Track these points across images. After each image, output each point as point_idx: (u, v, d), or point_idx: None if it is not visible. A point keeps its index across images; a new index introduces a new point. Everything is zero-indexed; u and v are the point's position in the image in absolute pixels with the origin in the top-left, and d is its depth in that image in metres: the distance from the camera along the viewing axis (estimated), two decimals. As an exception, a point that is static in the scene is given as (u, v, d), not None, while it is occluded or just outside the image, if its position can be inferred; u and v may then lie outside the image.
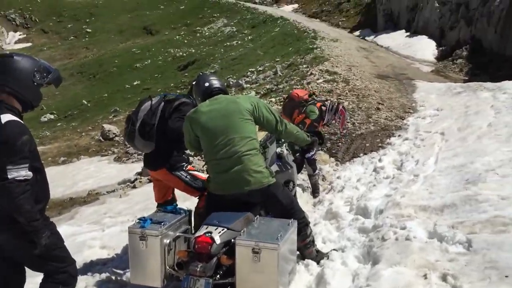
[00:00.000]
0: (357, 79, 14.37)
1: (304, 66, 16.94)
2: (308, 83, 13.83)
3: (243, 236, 3.09)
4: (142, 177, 10.22)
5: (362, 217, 4.85)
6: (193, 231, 3.65)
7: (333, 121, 6.66)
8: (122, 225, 6.13)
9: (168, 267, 3.34)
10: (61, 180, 11.31)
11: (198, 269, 3.00)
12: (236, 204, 3.48)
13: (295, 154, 4.98)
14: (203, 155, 3.62)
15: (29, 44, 47.64)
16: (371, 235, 4.16)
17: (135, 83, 31.10)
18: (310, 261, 3.80)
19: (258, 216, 3.47)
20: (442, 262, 3.28)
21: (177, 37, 39.68)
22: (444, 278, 3.06)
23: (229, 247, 3.13)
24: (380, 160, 7.28)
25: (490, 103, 9.49)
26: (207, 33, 38.67)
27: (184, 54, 34.45)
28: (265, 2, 47.11)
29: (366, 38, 27.72)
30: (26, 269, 3.20)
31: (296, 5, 43.82)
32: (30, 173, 2.78)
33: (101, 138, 16.23)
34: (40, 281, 3.03)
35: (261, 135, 4.07)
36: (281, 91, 14.50)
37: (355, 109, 11.10)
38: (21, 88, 2.87)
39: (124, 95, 28.28)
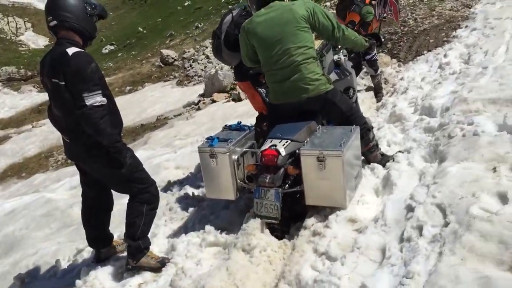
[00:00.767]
0: (416, -31, 13.26)
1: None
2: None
3: (307, 146, 3.18)
4: (205, 99, 10.48)
5: (427, 117, 4.74)
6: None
7: (385, 15, 6.24)
8: (192, 146, 6.44)
9: (239, 181, 3.55)
10: (130, 108, 11.87)
11: (267, 180, 3.16)
12: (297, 113, 3.53)
13: (351, 55, 4.81)
14: (261, 66, 3.63)
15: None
16: (437, 133, 4.09)
17: (186, 3, 30.71)
18: (376, 164, 3.85)
19: (320, 126, 3.52)
20: (513, 154, 3.20)
21: None
22: (514, 169, 3.01)
23: (295, 158, 3.25)
24: (445, 56, 6.92)
25: None
26: None
27: (232, -33, 33.16)
28: None
29: None
30: (113, 193, 3.54)
31: None
32: (104, 99, 2.95)
33: (161, 64, 16.58)
34: (127, 202, 3.32)
35: (317, 43, 3.99)
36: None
37: (416, 3, 10.42)
38: (79, 21, 3.00)
39: (177, 18, 28.15)
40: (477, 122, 3.85)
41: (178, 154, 6.35)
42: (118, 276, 3.37)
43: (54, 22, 3.00)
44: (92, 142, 3.00)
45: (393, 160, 3.87)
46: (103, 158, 3.07)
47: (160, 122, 10.13)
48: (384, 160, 3.91)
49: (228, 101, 9.90)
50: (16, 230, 5.01)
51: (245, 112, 8.01)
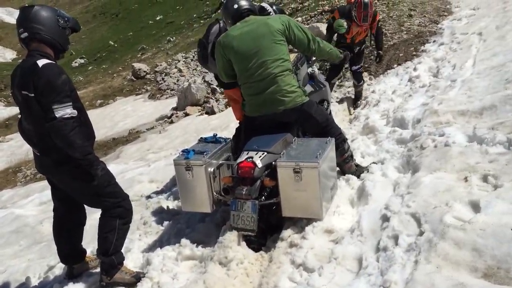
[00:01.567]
0: (385, -14, 13.62)
1: (328, -21, 16.15)
2: (334, -3, 13.26)
3: (283, 157, 3.19)
4: (178, 112, 10.42)
5: (399, 129, 4.85)
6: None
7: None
8: (166, 159, 6.38)
9: (215, 193, 3.52)
10: (101, 122, 11.68)
11: (243, 192, 3.15)
12: (273, 125, 3.56)
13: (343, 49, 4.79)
14: (237, 79, 3.64)
15: (48, -10, 47.19)
16: (410, 145, 4.18)
17: (157, 18, 30.71)
18: (350, 175, 3.90)
19: (295, 137, 3.55)
20: (483, 164, 3.28)
21: (194, -36, 38.32)
22: (485, 179, 3.08)
23: (271, 170, 3.26)
24: (415, 69, 7.10)
25: (530, -4, 8.91)
26: (224, -44, 37.08)
27: (203, -18, 33.38)
28: None
29: None
30: (86, 207, 3.45)
31: None
32: (75, 111, 2.90)
33: (132, 77, 16.43)
34: (99, 216, 3.25)
35: (292, 57, 4.03)
36: (307, 9, 14.02)
37: (386, 19, 10.65)
38: (51, 33, 2.96)
39: (149, 32, 28.08)
40: (448, 133, 3.95)
41: (152, 168, 6.27)
42: (92, 293, 3.28)
43: (26, 34, 2.95)
44: (62, 155, 2.94)
45: (368, 171, 3.93)
46: (74, 171, 3.00)
47: (132, 136, 10.00)
48: (358, 171, 3.96)
49: (201, 114, 9.87)
50: (-16, 247, 4.83)
51: (219, 126, 8.01)
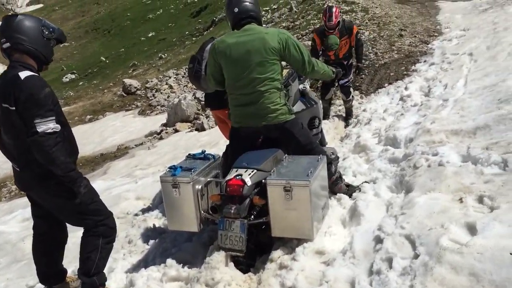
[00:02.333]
0: (376, 7, 13.83)
1: (320, -2, 16.32)
2: (326, 16, 13.35)
3: (273, 175, 3.09)
4: (168, 128, 10.32)
5: (391, 147, 4.78)
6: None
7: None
8: (153, 176, 6.25)
9: (203, 212, 3.40)
10: (90, 137, 11.54)
11: (232, 211, 3.04)
12: (258, 138, 3.50)
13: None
14: (225, 86, 3.55)
15: (40, 5, 47.35)
16: (402, 164, 4.11)
17: (149, 34, 30.81)
18: (342, 195, 3.81)
19: (286, 155, 3.46)
20: (478, 185, 3.22)
21: (187, -18, 38.67)
22: (480, 200, 3.01)
23: (261, 188, 3.15)
24: (406, 88, 7.10)
25: (519, 17, 9.03)
26: (217, -25, 37.51)
27: (196, 0, 33.67)
28: None
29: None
30: (68, 225, 3.31)
31: None
32: (58, 126, 2.78)
33: (123, 93, 16.34)
34: (82, 235, 3.12)
35: (284, 72, 3.96)
36: (298, 28, 14.10)
37: (377, 38, 10.74)
38: (34, 44, 2.86)
39: (141, 48, 28.12)
40: (442, 153, 3.89)
41: (139, 185, 6.14)
42: (71, 316, 3.12)
43: (8, 44, 2.84)
44: (43, 171, 2.82)
45: (359, 190, 3.84)
46: (55, 188, 2.88)
47: (120, 152, 9.86)
48: (350, 190, 3.88)
49: (191, 130, 9.78)
50: (-39, 265, 4.64)
51: (208, 142, 7.91)
